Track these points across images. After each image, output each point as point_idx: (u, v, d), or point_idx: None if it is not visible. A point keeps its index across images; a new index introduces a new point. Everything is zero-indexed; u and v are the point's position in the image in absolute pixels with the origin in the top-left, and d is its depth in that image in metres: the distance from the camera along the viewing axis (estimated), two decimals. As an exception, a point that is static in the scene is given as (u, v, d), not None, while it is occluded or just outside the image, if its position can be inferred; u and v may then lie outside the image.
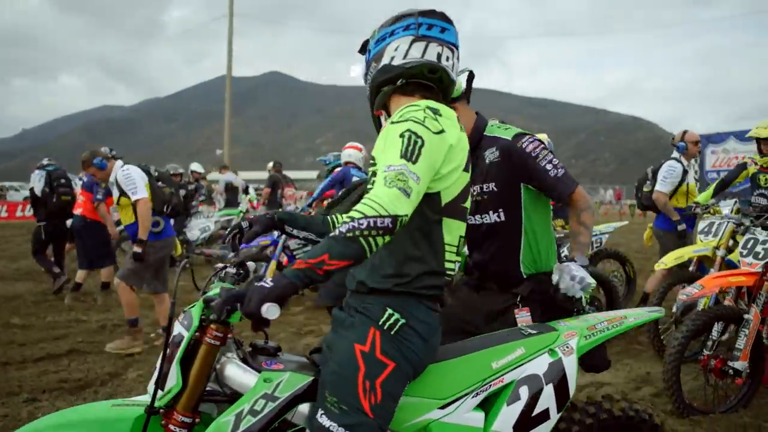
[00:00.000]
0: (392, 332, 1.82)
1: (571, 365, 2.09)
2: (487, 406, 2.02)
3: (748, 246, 4.01)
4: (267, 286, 1.56)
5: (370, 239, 1.59)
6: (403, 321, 1.84)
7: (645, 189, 6.24)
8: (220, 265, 2.12)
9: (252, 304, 1.53)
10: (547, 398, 2.03)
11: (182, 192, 11.06)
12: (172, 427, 1.77)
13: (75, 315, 7.06)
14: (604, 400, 2.22)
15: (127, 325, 5.55)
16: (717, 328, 3.93)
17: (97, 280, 8.34)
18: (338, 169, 7.00)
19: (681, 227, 5.81)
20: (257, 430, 1.74)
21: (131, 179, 5.31)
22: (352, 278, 1.97)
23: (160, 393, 1.81)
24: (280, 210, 2.29)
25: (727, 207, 5.48)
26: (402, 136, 1.75)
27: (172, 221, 5.85)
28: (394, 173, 1.67)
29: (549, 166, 2.46)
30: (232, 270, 2.06)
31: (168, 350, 1.85)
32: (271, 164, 11.91)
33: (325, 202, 8.05)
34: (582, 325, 2.21)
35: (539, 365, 2.06)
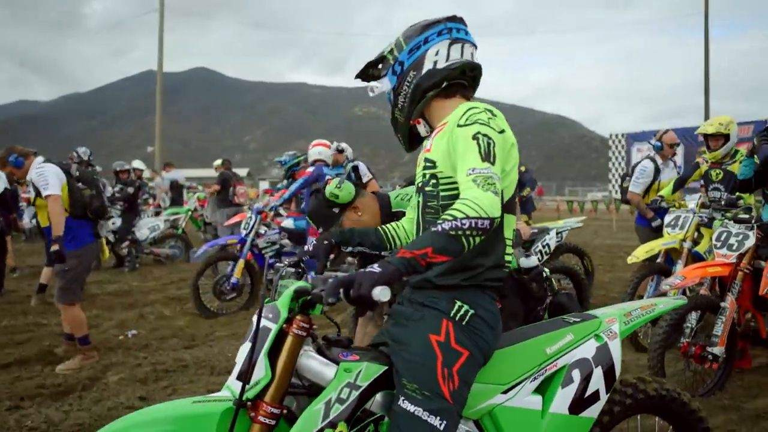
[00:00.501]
0: (463, 323, 1.93)
1: (616, 348, 2.24)
2: (543, 389, 2.13)
3: (722, 238, 4.29)
4: (376, 271, 1.62)
5: (471, 239, 1.69)
6: (472, 312, 1.94)
7: (624, 185, 6.56)
8: (280, 264, 2.16)
9: (364, 287, 1.59)
10: (597, 380, 2.17)
11: (130, 190, 10.83)
12: (261, 418, 1.79)
13: (33, 318, 6.80)
14: (638, 381, 2.36)
15: (77, 344, 5.17)
16: (695, 316, 4.19)
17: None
18: (310, 169, 6.94)
19: (656, 223, 6.14)
20: (345, 417, 1.79)
21: (44, 176, 4.91)
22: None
23: (245, 385, 1.81)
24: (334, 231, 2.35)
25: (692, 201, 5.80)
26: (475, 138, 1.84)
27: (121, 223, 5.57)
28: (483, 176, 1.76)
29: None
30: (291, 269, 2.10)
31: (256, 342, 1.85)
32: (219, 162, 11.70)
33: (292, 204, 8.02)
34: (620, 312, 2.36)
35: (588, 349, 2.20)
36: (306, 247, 2.34)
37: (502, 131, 1.92)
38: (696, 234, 5.33)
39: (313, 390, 1.89)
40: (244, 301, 7.25)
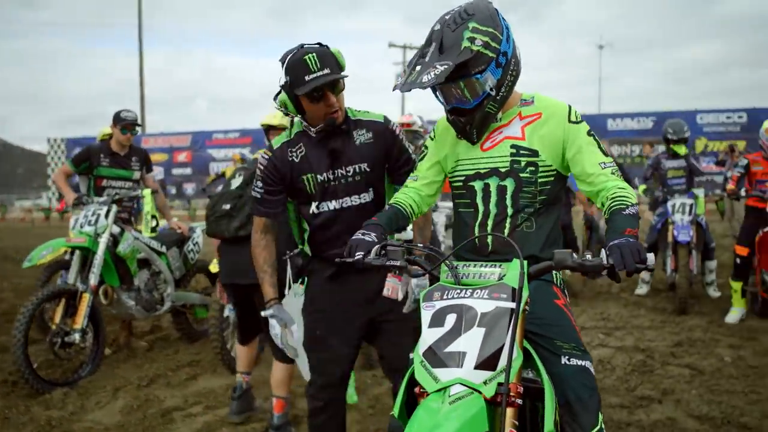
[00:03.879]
0: (563, 287, 2.22)
1: None
2: None
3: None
4: (634, 242, 1.75)
5: None
6: (561, 277, 2.24)
7: None
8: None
9: (641, 255, 1.71)
10: None
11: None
12: (517, 401, 1.73)
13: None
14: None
15: None
16: None
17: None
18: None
19: None
20: None
21: None
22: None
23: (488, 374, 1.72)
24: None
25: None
26: (590, 134, 2.11)
27: None
28: (613, 169, 2.07)
29: (411, 148, 2.74)
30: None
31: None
32: None
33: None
34: None
35: None
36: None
37: None
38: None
39: None
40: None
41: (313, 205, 2.60)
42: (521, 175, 2.11)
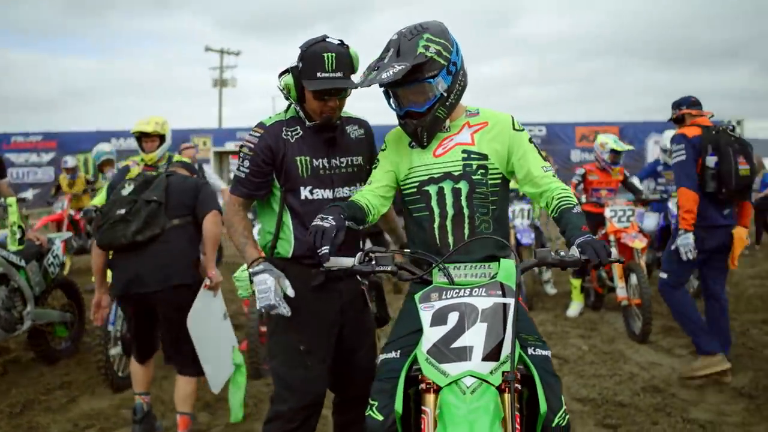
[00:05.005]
0: (520, 286, 2.27)
1: None
2: None
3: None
4: (598, 239, 2.05)
5: None
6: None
7: None
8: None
9: (607, 250, 2.01)
10: None
11: None
12: (518, 386, 1.94)
13: None
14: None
15: None
16: None
17: None
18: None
19: None
20: None
21: None
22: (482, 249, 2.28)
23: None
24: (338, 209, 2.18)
25: None
26: (531, 141, 2.37)
27: None
28: (553, 172, 2.33)
29: None
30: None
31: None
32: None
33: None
34: None
35: None
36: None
37: None
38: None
39: None
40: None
41: (306, 189, 2.53)
42: (473, 177, 2.31)
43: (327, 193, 2.56)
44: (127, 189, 3.63)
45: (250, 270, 2.44)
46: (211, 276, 3.53)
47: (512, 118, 2.39)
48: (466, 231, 2.31)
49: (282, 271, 2.44)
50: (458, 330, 1.93)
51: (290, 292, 2.38)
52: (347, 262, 2.11)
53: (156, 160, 4.88)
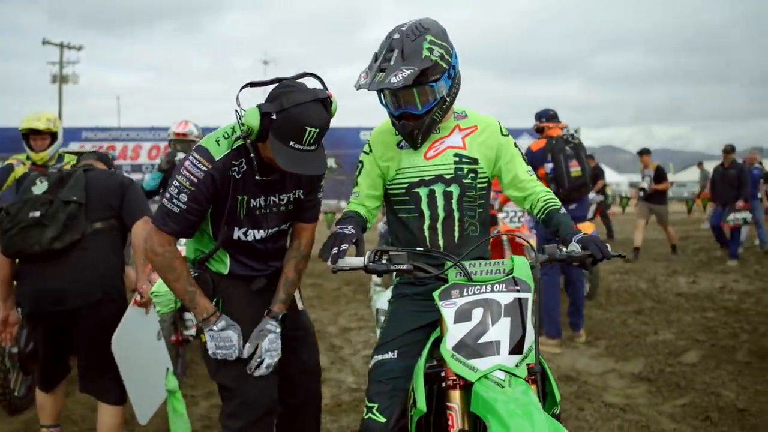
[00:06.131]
0: None
1: None
2: None
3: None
4: (597, 236, 2.21)
5: None
6: None
7: None
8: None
9: (606, 246, 2.12)
10: None
11: None
12: (533, 376, 1.96)
13: None
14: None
15: None
16: None
17: None
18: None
19: None
20: None
21: None
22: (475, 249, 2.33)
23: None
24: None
25: None
26: (516, 146, 2.44)
27: None
28: (535, 176, 2.44)
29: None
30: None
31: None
32: None
33: None
34: None
35: None
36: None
37: None
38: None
39: None
40: None
41: (240, 231, 2.38)
42: (464, 181, 2.34)
43: (260, 234, 2.41)
44: (40, 187, 3.06)
45: (209, 326, 2.32)
46: (141, 291, 3.08)
47: (499, 123, 2.45)
48: (456, 233, 2.35)
49: (218, 284, 2.41)
50: (483, 325, 1.95)
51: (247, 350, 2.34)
52: (357, 261, 2.05)
53: (47, 160, 4.42)
